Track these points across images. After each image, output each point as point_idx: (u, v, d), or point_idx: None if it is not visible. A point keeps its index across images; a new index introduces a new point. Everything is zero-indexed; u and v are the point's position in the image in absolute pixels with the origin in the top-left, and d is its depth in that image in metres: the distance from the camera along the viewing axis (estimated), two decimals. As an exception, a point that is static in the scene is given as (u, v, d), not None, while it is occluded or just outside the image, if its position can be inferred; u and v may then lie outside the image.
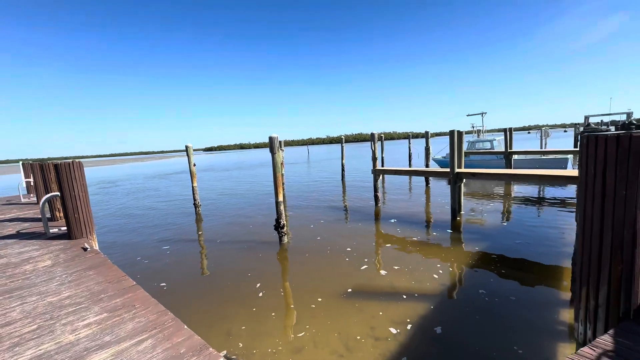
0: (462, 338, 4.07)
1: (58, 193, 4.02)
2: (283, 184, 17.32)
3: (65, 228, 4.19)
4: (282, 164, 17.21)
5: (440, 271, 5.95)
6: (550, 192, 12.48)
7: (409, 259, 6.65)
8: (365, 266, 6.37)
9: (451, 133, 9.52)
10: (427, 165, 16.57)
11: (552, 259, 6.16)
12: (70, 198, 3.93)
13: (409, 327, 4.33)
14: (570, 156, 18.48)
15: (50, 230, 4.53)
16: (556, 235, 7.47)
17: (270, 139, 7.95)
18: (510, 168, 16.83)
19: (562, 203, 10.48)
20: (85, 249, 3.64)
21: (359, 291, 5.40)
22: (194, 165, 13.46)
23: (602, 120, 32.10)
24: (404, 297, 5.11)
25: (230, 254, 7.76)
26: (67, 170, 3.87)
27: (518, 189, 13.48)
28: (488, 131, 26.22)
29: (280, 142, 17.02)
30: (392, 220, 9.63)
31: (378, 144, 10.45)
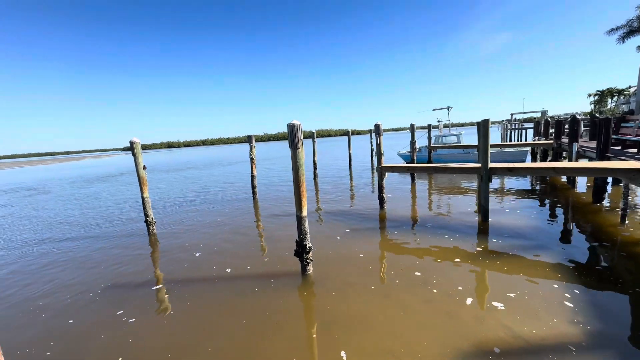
0: None
1: None
2: (255, 187, 14.43)
3: None
4: (253, 160, 14.30)
5: (567, 295, 4.54)
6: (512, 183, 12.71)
7: (507, 280, 5.10)
8: (469, 299, 4.60)
9: (484, 122, 8.38)
10: (412, 160, 15.67)
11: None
12: None
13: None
14: (528, 149, 19.64)
15: None
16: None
17: (291, 127, 5.56)
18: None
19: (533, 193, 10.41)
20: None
21: (505, 349, 3.58)
22: (144, 168, 9.91)
23: (515, 117, 37.21)
24: (573, 351, 3.49)
25: (244, 297, 5.18)
26: None
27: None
28: (435, 127, 27.16)
29: (250, 136, 14.08)
30: (429, 225, 8.09)
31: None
